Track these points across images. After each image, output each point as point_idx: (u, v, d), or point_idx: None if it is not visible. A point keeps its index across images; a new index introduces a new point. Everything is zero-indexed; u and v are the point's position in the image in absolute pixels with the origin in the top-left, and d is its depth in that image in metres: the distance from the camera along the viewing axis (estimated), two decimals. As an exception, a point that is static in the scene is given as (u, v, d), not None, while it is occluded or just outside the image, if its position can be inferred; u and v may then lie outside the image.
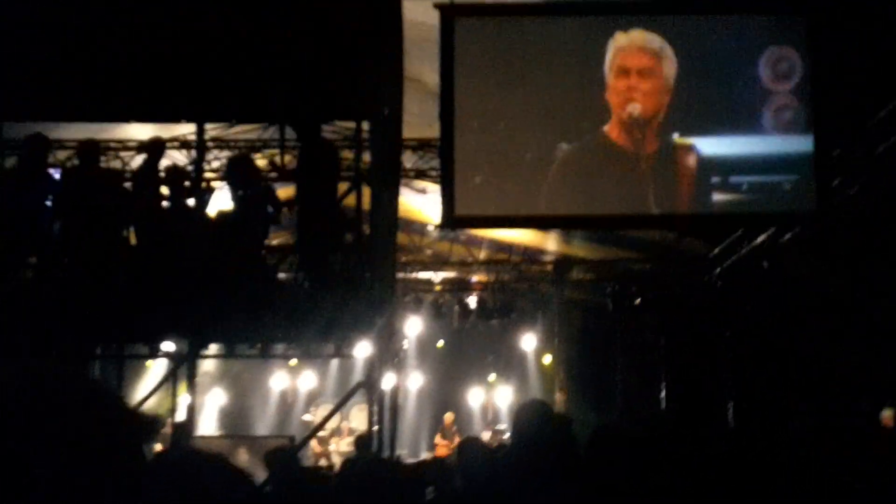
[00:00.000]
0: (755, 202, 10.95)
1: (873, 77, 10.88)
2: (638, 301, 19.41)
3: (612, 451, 4.36)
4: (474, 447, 5.53)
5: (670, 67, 10.87)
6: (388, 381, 11.46)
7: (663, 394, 19.03)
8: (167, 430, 11.13)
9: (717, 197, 10.90)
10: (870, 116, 11.28)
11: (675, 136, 10.88)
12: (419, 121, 12.79)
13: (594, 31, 10.92)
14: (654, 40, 10.86)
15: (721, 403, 16.94)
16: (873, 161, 11.48)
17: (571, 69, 10.88)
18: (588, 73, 10.83)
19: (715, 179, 10.86)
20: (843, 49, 10.74)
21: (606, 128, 10.87)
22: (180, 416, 11.23)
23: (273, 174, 12.57)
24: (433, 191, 15.68)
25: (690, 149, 10.90)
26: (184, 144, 13.77)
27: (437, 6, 10.65)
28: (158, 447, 7.81)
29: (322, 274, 9.82)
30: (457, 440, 19.05)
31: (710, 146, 10.95)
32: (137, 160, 12.81)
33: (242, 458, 12.49)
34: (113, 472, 1.51)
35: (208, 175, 12.27)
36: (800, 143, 10.84)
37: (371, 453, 9.83)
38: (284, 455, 9.20)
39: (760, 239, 15.09)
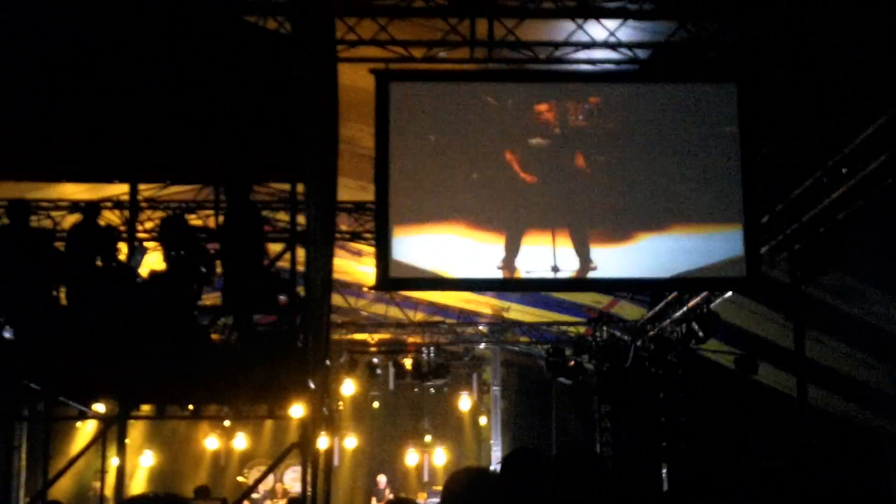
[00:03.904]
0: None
1: (801, 144, 11.16)
2: (572, 363, 19.51)
3: (527, 469, 4.45)
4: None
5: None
6: (322, 443, 11.39)
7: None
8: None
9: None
10: (796, 185, 11.53)
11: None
12: (355, 183, 12.88)
13: (521, 97, 11.13)
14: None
15: (656, 466, 17.04)
16: (801, 227, 11.72)
17: (503, 133, 11.06)
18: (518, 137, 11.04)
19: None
20: (770, 117, 11.01)
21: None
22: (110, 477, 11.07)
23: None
24: (368, 253, 15.74)
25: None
26: (117, 204, 13.69)
27: (372, 71, 10.78)
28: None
29: (251, 334, 9.77)
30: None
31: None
32: (69, 220, 12.72)
33: (173, 521, 12.25)
34: None
35: (141, 235, 12.20)
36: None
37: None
38: None
39: (692, 303, 15.29)
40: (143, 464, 23.45)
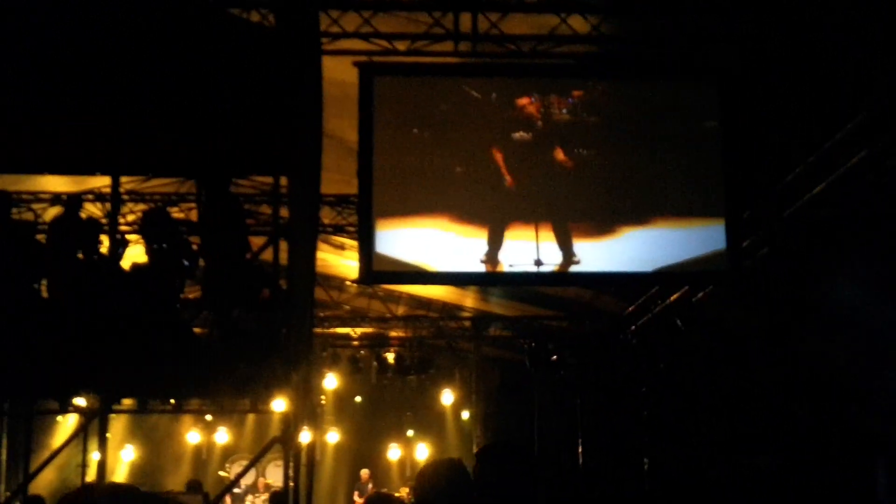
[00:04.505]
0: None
1: (782, 140, 11.17)
2: (554, 358, 19.53)
3: (499, 461, 4.45)
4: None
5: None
6: (304, 437, 11.37)
7: (580, 449, 19.12)
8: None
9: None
10: (779, 179, 11.55)
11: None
12: (338, 177, 12.83)
13: (504, 91, 11.12)
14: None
15: (637, 459, 17.05)
16: (782, 222, 11.75)
17: (487, 127, 11.05)
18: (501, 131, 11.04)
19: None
20: (752, 113, 11.02)
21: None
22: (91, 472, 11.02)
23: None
24: (351, 247, 15.72)
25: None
26: (98, 197, 13.62)
27: (356, 65, 10.76)
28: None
29: (234, 328, 9.74)
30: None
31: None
32: (50, 212, 12.65)
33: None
34: None
35: (123, 228, 12.13)
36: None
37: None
38: None
39: (674, 297, 15.31)
40: (124, 458, 23.39)
